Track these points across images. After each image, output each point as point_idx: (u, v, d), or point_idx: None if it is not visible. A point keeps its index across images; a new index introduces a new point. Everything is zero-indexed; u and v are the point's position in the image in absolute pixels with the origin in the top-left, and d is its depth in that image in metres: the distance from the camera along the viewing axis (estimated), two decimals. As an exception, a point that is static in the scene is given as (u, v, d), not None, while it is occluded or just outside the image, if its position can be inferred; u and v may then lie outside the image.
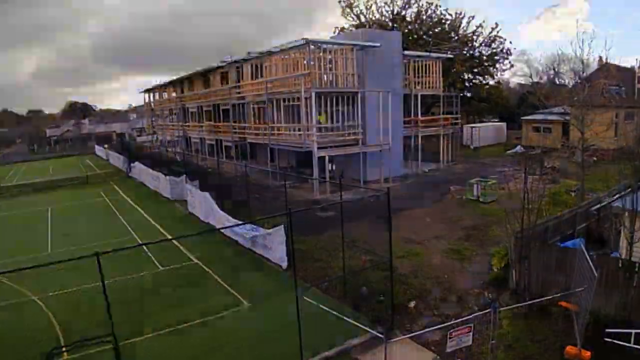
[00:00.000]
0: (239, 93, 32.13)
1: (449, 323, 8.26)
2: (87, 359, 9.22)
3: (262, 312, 11.03)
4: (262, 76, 29.32)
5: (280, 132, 27.41)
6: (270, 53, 27.19)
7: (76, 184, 35.75)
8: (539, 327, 9.45)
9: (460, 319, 8.71)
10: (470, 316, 8.81)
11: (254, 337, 9.84)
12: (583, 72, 19.47)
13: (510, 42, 66.98)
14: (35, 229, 21.20)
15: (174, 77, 45.64)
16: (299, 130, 25.60)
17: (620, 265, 9.47)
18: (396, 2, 48.80)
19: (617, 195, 12.75)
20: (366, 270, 12.29)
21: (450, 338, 7.34)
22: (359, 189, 22.80)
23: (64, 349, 9.41)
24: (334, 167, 26.57)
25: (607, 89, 27.68)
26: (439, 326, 8.78)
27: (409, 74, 31.97)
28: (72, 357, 9.37)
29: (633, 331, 8.02)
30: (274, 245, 14.27)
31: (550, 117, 37.04)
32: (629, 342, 8.02)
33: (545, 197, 13.18)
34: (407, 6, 48.80)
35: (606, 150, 27.20)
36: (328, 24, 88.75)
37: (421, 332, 9.09)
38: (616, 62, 27.25)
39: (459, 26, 49.25)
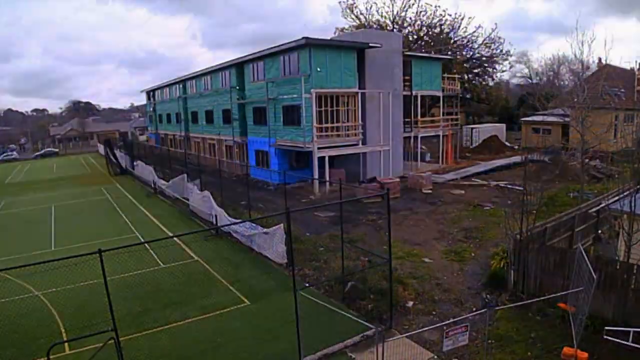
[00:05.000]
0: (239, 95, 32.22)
1: (446, 322, 8.34)
2: (88, 354, 9.33)
3: (262, 311, 11.11)
4: (262, 76, 29.40)
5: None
6: (270, 53, 27.25)
7: (79, 183, 35.88)
8: (536, 328, 9.53)
9: (458, 318, 8.80)
10: (467, 315, 8.90)
11: (253, 335, 9.92)
12: (583, 74, 19.52)
13: (510, 43, 67.15)
14: (39, 227, 21.31)
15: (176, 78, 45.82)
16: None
17: (618, 267, 9.54)
18: (396, 3, 48.96)
19: (615, 198, 12.81)
20: (365, 271, 12.36)
21: (446, 337, 7.42)
22: (359, 189, 22.88)
23: (66, 343, 9.52)
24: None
25: (607, 91, 27.74)
26: (436, 325, 8.85)
27: (409, 75, 32.08)
28: (73, 351, 9.48)
29: (632, 330, 8.10)
30: (273, 244, 14.38)
31: (549, 119, 37.12)
32: (627, 342, 8.10)
33: (544, 199, 13.28)
34: (407, 7, 48.94)
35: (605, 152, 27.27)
36: (328, 25, 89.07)
37: (418, 331, 9.16)
38: (616, 64, 27.17)
39: (459, 27, 49.44)
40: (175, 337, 9.95)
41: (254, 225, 15.81)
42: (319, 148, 24.51)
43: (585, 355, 8.15)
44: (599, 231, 14.61)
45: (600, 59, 30.82)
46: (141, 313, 11.16)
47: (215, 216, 18.15)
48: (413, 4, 48.84)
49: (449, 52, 44.43)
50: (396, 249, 14.26)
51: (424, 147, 34.38)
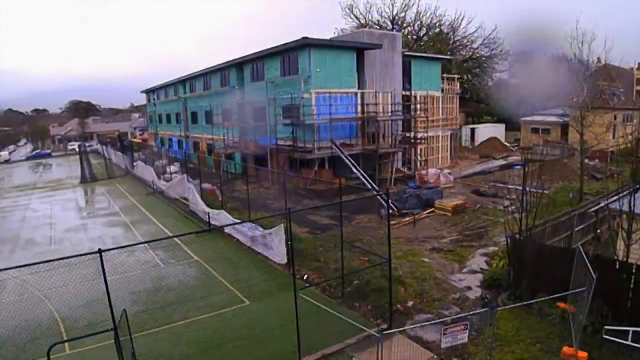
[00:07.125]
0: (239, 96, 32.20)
1: (445, 319, 8.35)
2: (88, 354, 9.35)
3: (262, 311, 11.12)
4: (262, 77, 29.40)
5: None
6: (270, 53, 27.25)
7: (79, 183, 35.90)
8: (536, 328, 9.54)
9: (458, 316, 8.80)
10: (467, 314, 8.90)
11: (253, 335, 9.93)
12: (582, 74, 19.51)
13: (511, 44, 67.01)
14: (39, 227, 21.34)
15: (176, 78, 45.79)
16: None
17: (618, 267, 9.54)
18: (396, 3, 49.03)
19: (615, 197, 12.80)
20: (365, 271, 12.37)
21: (445, 334, 7.42)
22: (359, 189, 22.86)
23: (66, 344, 9.52)
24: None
25: (606, 91, 27.77)
26: (435, 321, 8.85)
27: (408, 75, 32.04)
28: (74, 352, 9.49)
29: (632, 330, 8.11)
30: (273, 244, 14.39)
31: (549, 119, 37.17)
32: (627, 342, 8.11)
33: (544, 199, 13.27)
34: (407, 8, 48.99)
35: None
36: (328, 25, 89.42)
37: (416, 326, 9.15)
38: (615, 64, 27.09)
39: (459, 27, 49.49)
40: (176, 337, 9.96)
41: (254, 225, 15.83)
42: (319, 148, 24.51)
43: (585, 355, 8.16)
44: (599, 231, 14.62)
45: (599, 59, 30.79)
46: (141, 313, 11.16)
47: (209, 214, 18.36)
48: (413, 5, 48.94)
49: (449, 52, 44.45)
50: (396, 248, 14.27)
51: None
